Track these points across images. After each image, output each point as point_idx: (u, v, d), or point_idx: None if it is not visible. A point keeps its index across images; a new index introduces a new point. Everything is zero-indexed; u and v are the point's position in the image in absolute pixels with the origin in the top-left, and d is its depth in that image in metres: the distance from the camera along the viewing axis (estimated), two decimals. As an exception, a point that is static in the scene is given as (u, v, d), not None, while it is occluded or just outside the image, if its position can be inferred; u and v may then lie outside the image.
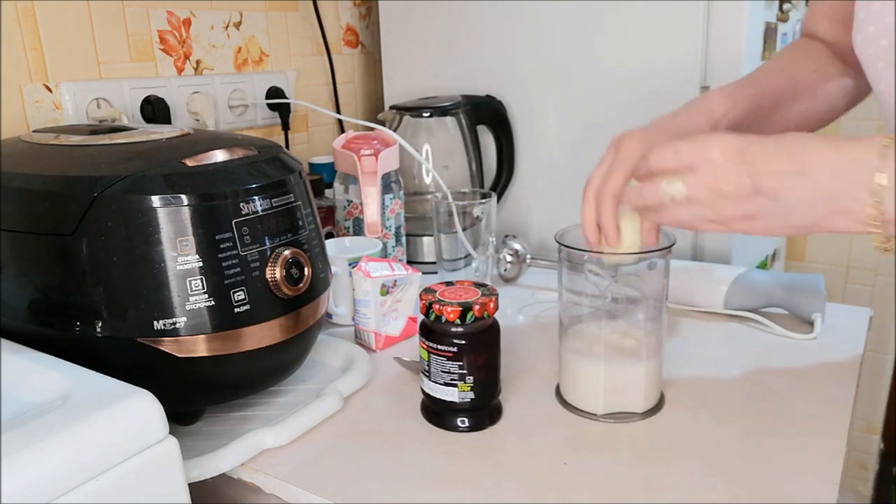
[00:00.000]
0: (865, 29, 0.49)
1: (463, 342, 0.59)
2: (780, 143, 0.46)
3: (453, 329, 0.59)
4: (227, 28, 1.08)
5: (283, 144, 1.02)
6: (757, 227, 0.48)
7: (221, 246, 0.54)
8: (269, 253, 0.57)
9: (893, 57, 0.48)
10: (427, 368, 0.61)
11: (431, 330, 0.60)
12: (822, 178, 0.45)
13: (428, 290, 0.62)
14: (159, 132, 0.62)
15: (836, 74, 0.70)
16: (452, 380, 0.59)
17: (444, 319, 0.58)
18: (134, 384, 0.45)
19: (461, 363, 0.59)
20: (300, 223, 0.61)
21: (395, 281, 0.76)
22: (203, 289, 0.53)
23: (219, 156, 0.57)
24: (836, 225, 0.46)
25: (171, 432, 0.45)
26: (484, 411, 0.62)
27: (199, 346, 0.54)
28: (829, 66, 0.70)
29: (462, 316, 0.58)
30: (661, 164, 0.49)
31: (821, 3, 0.70)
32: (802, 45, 0.72)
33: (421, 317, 0.61)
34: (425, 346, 0.61)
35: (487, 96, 1.14)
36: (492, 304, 0.60)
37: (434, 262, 0.97)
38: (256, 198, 0.56)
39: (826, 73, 0.69)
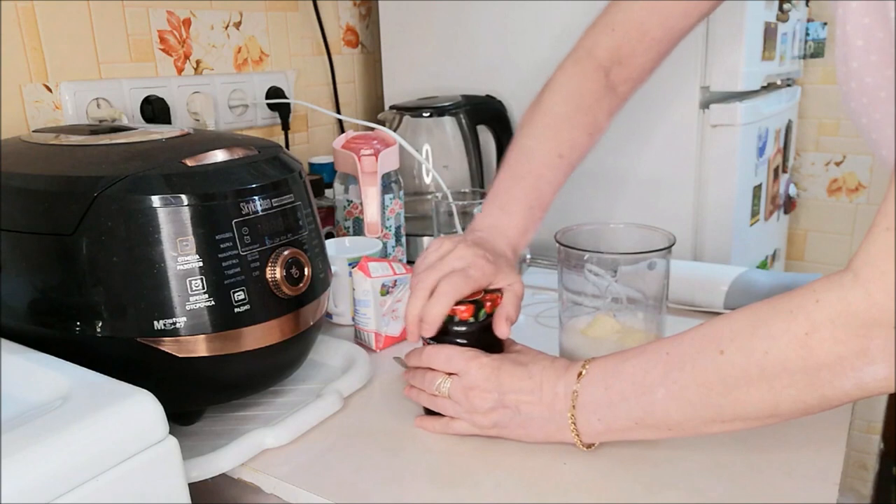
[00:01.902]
0: (861, 79, 0.49)
1: (464, 342, 0.59)
2: (526, 367, 0.55)
3: (455, 328, 0.59)
4: (227, 28, 1.09)
5: (283, 144, 1.02)
6: (506, 434, 0.56)
7: (221, 246, 0.54)
8: (269, 253, 0.57)
9: (893, 108, 0.48)
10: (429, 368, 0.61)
11: None
12: (547, 399, 0.54)
13: None
14: (159, 132, 0.62)
15: (605, 120, 0.71)
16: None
17: (456, 318, 0.58)
18: (134, 384, 0.45)
19: None
20: (300, 223, 0.61)
21: (396, 281, 0.76)
22: (203, 289, 0.53)
23: (219, 156, 0.57)
24: (565, 437, 0.54)
25: (171, 432, 0.45)
26: None
27: (199, 346, 0.54)
28: (601, 113, 0.71)
29: (475, 314, 0.59)
30: (435, 364, 0.58)
31: (637, 25, 0.68)
32: (580, 99, 0.70)
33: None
34: (426, 346, 0.61)
35: (487, 96, 1.14)
36: (500, 300, 0.60)
37: (434, 262, 0.96)
38: (256, 198, 0.56)
39: (599, 127, 0.71)
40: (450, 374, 0.57)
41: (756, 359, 0.44)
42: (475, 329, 0.59)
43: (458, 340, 0.59)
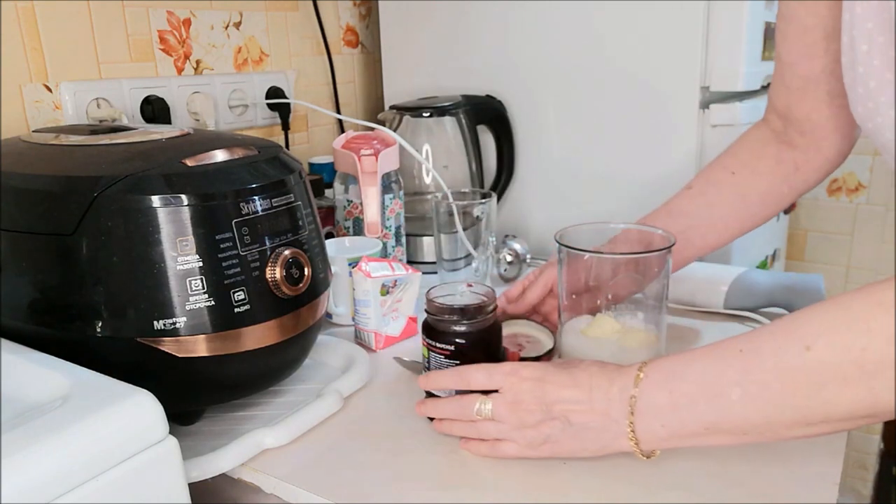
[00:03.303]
0: (866, 83, 0.49)
1: (463, 341, 0.59)
2: (571, 373, 0.52)
3: (454, 328, 0.59)
4: (227, 28, 1.08)
5: (283, 144, 1.02)
6: (559, 450, 0.53)
7: (221, 246, 0.54)
8: (269, 253, 0.57)
9: (894, 113, 0.48)
10: (428, 367, 0.61)
11: (433, 328, 0.60)
12: (600, 406, 0.51)
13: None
14: (159, 132, 0.62)
15: (771, 164, 0.70)
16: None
17: (455, 318, 0.60)
18: (134, 384, 0.45)
19: (462, 362, 0.59)
20: (300, 223, 0.61)
21: (396, 281, 0.76)
22: (203, 289, 0.53)
23: (219, 156, 0.57)
24: (622, 447, 0.51)
25: (171, 432, 0.45)
26: None
27: (199, 346, 0.54)
28: (761, 157, 0.71)
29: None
30: (474, 383, 0.56)
31: (790, 67, 0.65)
32: (738, 145, 0.73)
33: (422, 316, 0.61)
34: (427, 345, 0.61)
35: (487, 96, 1.13)
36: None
37: (434, 262, 0.96)
38: (256, 198, 0.56)
39: (748, 166, 0.71)
40: (487, 393, 0.55)
41: (853, 356, 0.41)
42: (467, 330, 0.59)
43: (457, 340, 0.59)
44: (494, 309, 0.61)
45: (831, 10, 0.58)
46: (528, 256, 0.98)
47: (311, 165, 1.20)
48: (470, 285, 0.64)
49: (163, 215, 0.52)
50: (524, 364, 0.55)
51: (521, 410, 0.53)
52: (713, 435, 0.48)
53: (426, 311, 0.62)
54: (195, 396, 0.60)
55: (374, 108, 1.40)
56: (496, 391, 0.54)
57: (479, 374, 0.55)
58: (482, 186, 1.14)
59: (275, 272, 0.56)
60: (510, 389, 0.53)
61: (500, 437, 0.54)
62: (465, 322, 0.59)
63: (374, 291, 0.75)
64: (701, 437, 0.48)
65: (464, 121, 1.08)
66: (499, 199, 1.17)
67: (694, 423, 0.48)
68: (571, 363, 0.55)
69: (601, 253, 0.64)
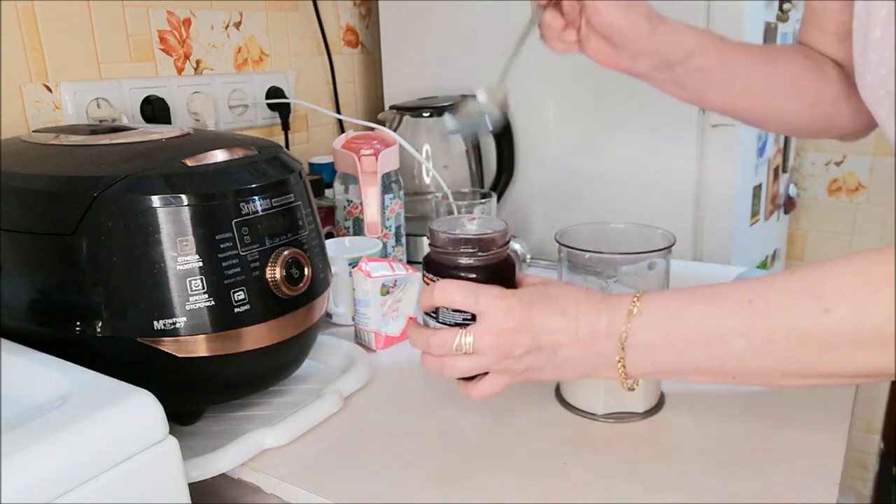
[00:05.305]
0: (881, 50, 0.48)
1: (473, 276, 0.53)
2: (557, 301, 0.50)
3: (464, 261, 0.53)
4: (227, 28, 1.09)
5: (283, 144, 1.02)
6: (538, 377, 0.52)
7: (221, 246, 0.54)
8: (268, 253, 0.57)
9: (894, 86, 0.47)
10: (435, 310, 0.53)
11: (439, 264, 0.54)
12: (585, 337, 0.49)
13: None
14: (159, 132, 0.62)
15: (799, 69, 0.65)
16: (465, 319, 0.51)
17: (463, 249, 0.53)
18: (134, 384, 0.45)
19: None
20: (300, 223, 0.61)
21: (396, 281, 0.76)
22: (203, 289, 0.53)
23: (219, 156, 0.57)
24: (603, 375, 0.50)
25: (171, 432, 0.45)
26: None
27: (199, 346, 0.54)
28: (797, 65, 0.66)
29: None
30: (453, 300, 0.51)
31: (815, 18, 0.66)
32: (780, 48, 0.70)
33: (426, 249, 0.55)
34: (429, 283, 0.54)
35: (487, 96, 1.13)
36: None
37: (434, 262, 0.96)
38: (256, 198, 0.56)
39: (785, 66, 0.66)
40: (463, 326, 0.50)
41: (873, 322, 0.40)
42: (479, 264, 0.53)
43: (470, 276, 0.53)
44: (507, 243, 0.54)
45: None
46: (528, 256, 0.98)
47: (311, 165, 1.20)
48: (473, 218, 0.57)
49: (163, 215, 0.52)
50: (509, 292, 0.50)
51: (505, 343, 0.49)
52: (701, 376, 0.47)
53: (430, 244, 0.55)
54: (195, 396, 0.60)
55: (374, 108, 1.40)
56: (473, 321, 0.50)
57: (457, 291, 0.51)
58: (482, 186, 1.14)
59: (275, 272, 0.57)
60: (495, 317, 0.49)
61: (477, 370, 0.51)
62: (477, 255, 0.52)
63: (374, 291, 0.75)
64: (688, 375, 0.48)
65: (464, 121, 1.08)
66: (499, 199, 1.16)
67: (686, 364, 0.47)
68: (556, 288, 0.52)
69: (601, 253, 0.64)
